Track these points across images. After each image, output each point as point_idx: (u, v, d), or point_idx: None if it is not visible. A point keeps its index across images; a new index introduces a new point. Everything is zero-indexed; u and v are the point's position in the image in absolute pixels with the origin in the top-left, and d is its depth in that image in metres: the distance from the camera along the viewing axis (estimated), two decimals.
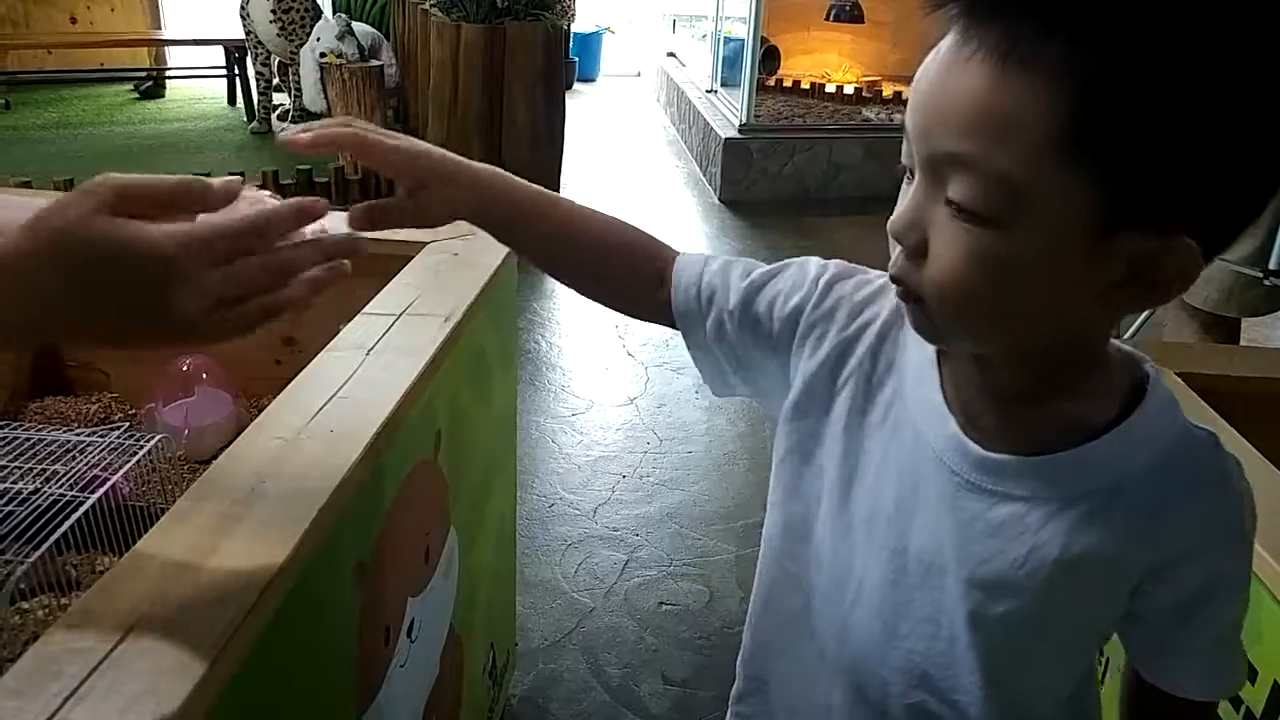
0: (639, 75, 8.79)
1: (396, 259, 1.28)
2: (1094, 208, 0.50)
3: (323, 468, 0.79)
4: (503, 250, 1.32)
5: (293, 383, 0.93)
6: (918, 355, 0.66)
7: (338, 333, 1.27)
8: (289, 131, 0.66)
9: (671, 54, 7.63)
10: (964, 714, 0.68)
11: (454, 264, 1.26)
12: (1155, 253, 0.51)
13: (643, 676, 1.84)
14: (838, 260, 0.72)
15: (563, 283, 0.77)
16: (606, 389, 2.92)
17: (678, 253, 0.76)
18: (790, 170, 5.02)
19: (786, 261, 0.73)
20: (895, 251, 0.57)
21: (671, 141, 6.43)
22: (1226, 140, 0.49)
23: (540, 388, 2.94)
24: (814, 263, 0.72)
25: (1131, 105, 0.47)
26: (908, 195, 0.56)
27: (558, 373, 3.04)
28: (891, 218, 0.56)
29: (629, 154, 6.08)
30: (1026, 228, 0.50)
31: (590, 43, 8.35)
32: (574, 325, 3.42)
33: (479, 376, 1.29)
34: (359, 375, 0.95)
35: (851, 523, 0.69)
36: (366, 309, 1.10)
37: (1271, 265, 2.18)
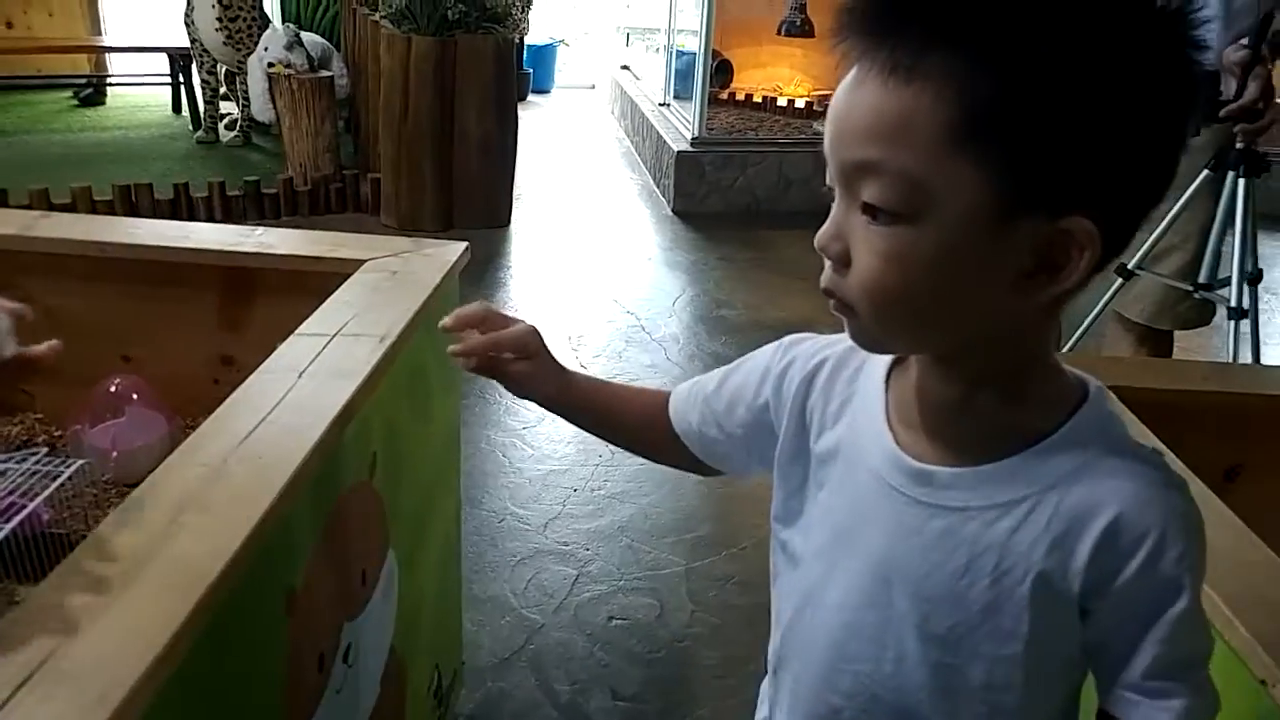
0: (593, 88, 8.80)
1: (334, 277, 1.27)
2: (991, 195, 0.53)
3: (249, 496, 0.78)
4: (444, 267, 1.31)
5: (221, 406, 0.92)
6: (870, 383, 0.69)
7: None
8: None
9: (625, 67, 7.65)
10: None
11: (393, 282, 1.25)
12: (1055, 237, 0.54)
13: (592, 692, 1.83)
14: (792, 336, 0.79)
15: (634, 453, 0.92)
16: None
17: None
18: (742, 183, 5.05)
19: (749, 356, 0.81)
20: (826, 266, 0.60)
21: (625, 153, 6.44)
22: (1099, 124, 0.52)
23: (490, 401, 2.92)
24: (779, 341, 0.79)
25: (1007, 100, 0.52)
26: (831, 212, 0.60)
27: None
28: (818, 234, 0.60)
29: (583, 166, 6.08)
30: (933, 221, 0.54)
31: (544, 55, 8.34)
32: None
33: (418, 396, 1.27)
34: (289, 399, 0.93)
35: (811, 551, 0.71)
36: (300, 330, 1.09)
37: (1201, 280, 2.24)
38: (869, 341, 0.63)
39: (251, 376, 0.97)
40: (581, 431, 2.60)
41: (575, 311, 3.65)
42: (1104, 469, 0.61)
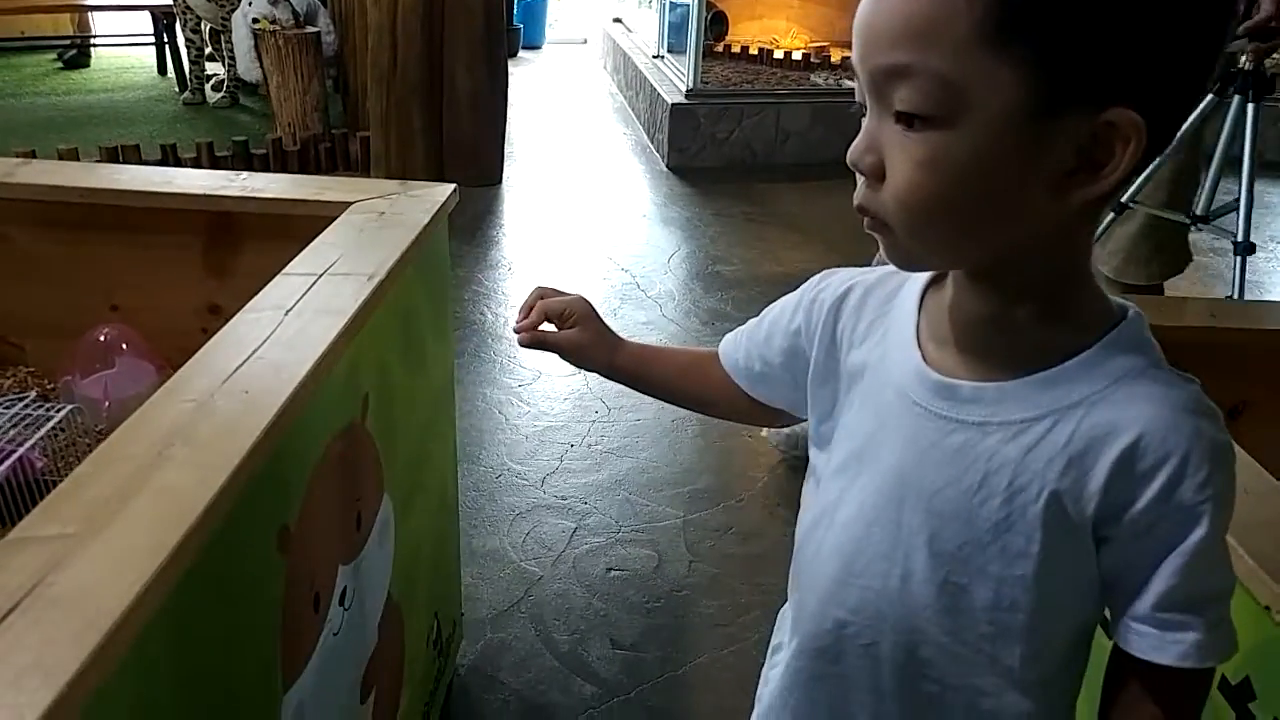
0: (585, 42, 8.69)
1: (321, 220, 1.24)
2: (1029, 91, 0.52)
3: (236, 430, 0.76)
4: (431, 209, 1.28)
5: (206, 345, 0.90)
6: (905, 305, 0.69)
7: None
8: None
9: (618, 20, 7.55)
10: (919, 661, 0.67)
11: (379, 223, 1.23)
12: (1099, 131, 0.53)
13: (591, 642, 1.83)
14: None
15: (697, 411, 0.94)
16: (554, 360, 2.85)
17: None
18: (738, 136, 5.00)
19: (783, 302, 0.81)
20: (859, 183, 0.59)
21: (619, 108, 6.37)
22: (1142, 9, 0.51)
23: (486, 359, 2.90)
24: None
25: None
26: (863, 126, 0.58)
27: (504, 344, 3.00)
28: (850, 149, 0.58)
29: (576, 121, 6.01)
30: (969, 123, 0.53)
31: (535, 9, 8.22)
32: (520, 296, 3.37)
33: (410, 340, 1.26)
34: (276, 336, 0.91)
35: (831, 467, 0.71)
36: (286, 269, 1.06)
37: (1198, 211, 2.17)
38: (904, 258, 0.61)
39: (237, 315, 0.96)
40: (576, 388, 2.66)
41: (569, 269, 3.62)
42: (1132, 390, 0.59)
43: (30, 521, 0.65)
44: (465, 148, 4.47)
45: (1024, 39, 0.51)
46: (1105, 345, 0.60)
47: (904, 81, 0.53)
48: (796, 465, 2.33)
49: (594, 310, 0.88)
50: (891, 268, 0.69)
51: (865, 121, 0.58)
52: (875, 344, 0.70)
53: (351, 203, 1.27)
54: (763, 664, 0.86)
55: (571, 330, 0.86)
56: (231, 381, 0.83)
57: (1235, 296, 2.17)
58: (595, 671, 1.76)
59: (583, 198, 4.54)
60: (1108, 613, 0.66)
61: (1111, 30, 0.50)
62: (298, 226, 1.27)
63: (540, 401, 2.70)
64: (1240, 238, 2.12)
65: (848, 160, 0.59)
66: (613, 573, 2.03)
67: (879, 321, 0.70)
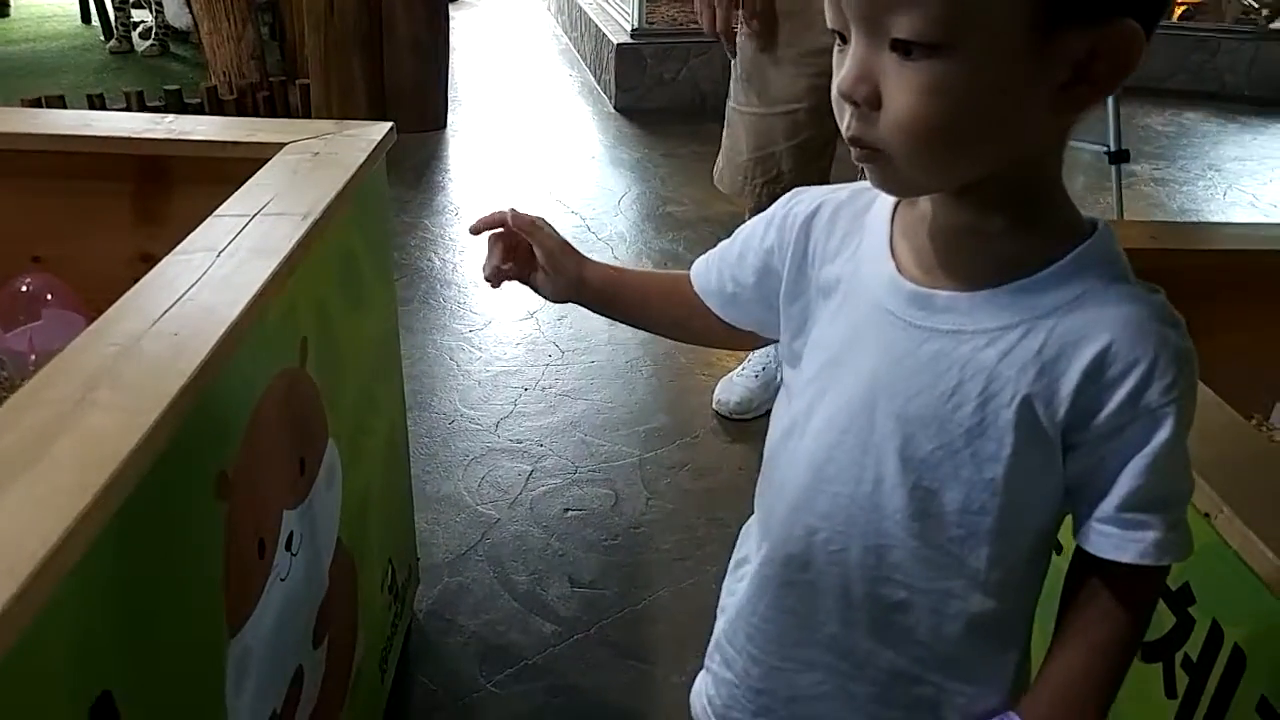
0: None
1: (254, 163, 1.21)
2: (1031, 10, 0.52)
3: (165, 373, 0.73)
4: (367, 148, 1.25)
5: (132, 289, 0.87)
6: (877, 220, 0.69)
7: None
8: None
9: None
10: (888, 566, 0.69)
11: (314, 164, 1.19)
12: (1100, 44, 0.54)
13: (550, 581, 1.84)
14: None
15: (668, 337, 0.95)
16: (505, 304, 2.86)
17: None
18: (685, 75, 4.94)
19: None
20: (845, 115, 0.59)
21: (564, 50, 6.25)
22: None
23: (436, 305, 2.87)
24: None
25: None
26: (849, 56, 0.58)
27: (453, 289, 2.96)
28: (838, 79, 0.58)
29: (521, 65, 5.90)
30: (972, 46, 0.53)
31: None
32: (469, 241, 3.31)
33: (350, 283, 1.23)
34: (207, 278, 0.88)
35: (803, 379, 0.73)
36: (217, 211, 1.03)
37: (1110, 147, 2.28)
38: (899, 184, 0.62)
39: (166, 258, 0.92)
40: (528, 333, 2.66)
41: (518, 202, 3.56)
42: (1102, 299, 0.61)
43: None
44: (408, 93, 4.37)
45: None
46: (1077, 257, 0.61)
47: (904, 9, 0.53)
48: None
49: (555, 231, 0.87)
50: (862, 185, 0.70)
51: (851, 49, 0.57)
52: (848, 258, 0.70)
53: (285, 144, 1.23)
54: (719, 595, 0.87)
55: (541, 252, 0.84)
56: (160, 324, 0.80)
57: (1118, 212, 2.32)
58: (554, 610, 1.77)
59: (530, 141, 4.47)
60: (1070, 518, 0.68)
61: None
62: (231, 169, 1.22)
63: (492, 346, 2.68)
64: (1113, 146, 2.27)
65: (837, 90, 0.58)
66: (570, 513, 2.03)
67: (851, 236, 0.71)
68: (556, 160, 4.21)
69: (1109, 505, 0.63)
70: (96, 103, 3.94)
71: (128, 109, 3.96)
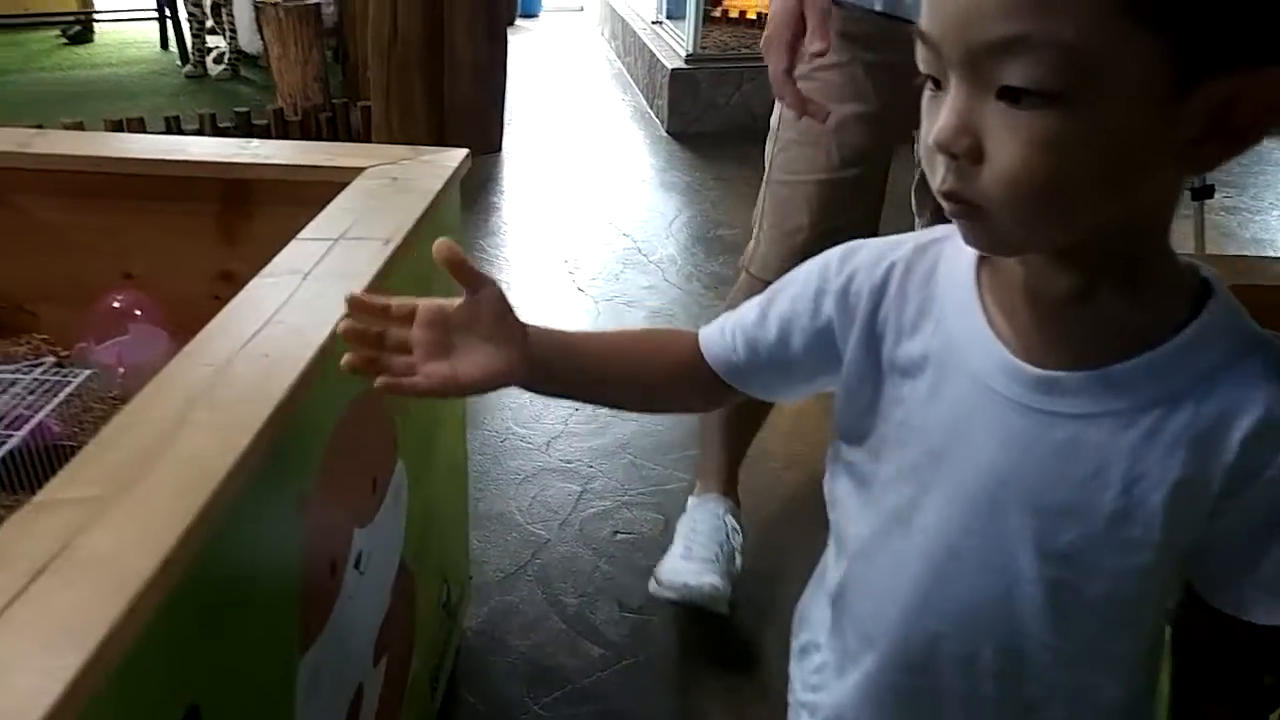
0: (581, 9, 8.59)
1: (332, 187, 1.24)
2: (1169, 60, 0.47)
3: (257, 394, 0.77)
4: (444, 175, 1.28)
5: (223, 310, 0.90)
6: (954, 284, 0.63)
7: None
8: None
9: None
10: (1023, 666, 0.65)
11: (393, 189, 1.23)
12: (1236, 95, 0.48)
13: (599, 604, 1.86)
14: (838, 246, 0.72)
15: (622, 408, 0.87)
16: (557, 325, 2.88)
17: (696, 333, 0.78)
18: (738, 100, 4.96)
19: (785, 277, 0.74)
20: (939, 168, 0.54)
21: (617, 75, 6.32)
22: None
23: None
24: (819, 256, 0.71)
25: None
26: (944, 104, 0.52)
27: None
28: (935, 129, 0.52)
29: (574, 89, 5.97)
30: (1098, 99, 0.48)
31: None
32: (522, 262, 3.38)
33: None
34: (294, 301, 0.92)
35: (893, 472, 0.67)
36: (301, 234, 1.07)
37: (1195, 183, 2.21)
38: (997, 243, 0.56)
39: (253, 280, 0.96)
40: None
41: (570, 235, 3.61)
42: (1244, 364, 0.56)
43: (55, 485, 0.66)
44: (466, 115, 4.45)
45: (1167, 1, 0.46)
46: (1205, 322, 0.56)
47: (1019, 54, 0.47)
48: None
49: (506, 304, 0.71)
50: (922, 238, 0.67)
51: (950, 97, 0.52)
52: (931, 333, 0.64)
53: (364, 169, 1.27)
54: (766, 626, 0.85)
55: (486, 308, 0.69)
56: (250, 346, 0.84)
57: (1196, 246, 2.23)
58: (603, 634, 1.78)
59: (582, 164, 4.52)
60: (1206, 579, 0.64)
61: None
62: (309, 193, 1.27)
63: None
64: (1198, 183, 2.19)
65: (933, 142, 0.53)
66: (619, 536, 2.05)
67: (928, 304, 0.65)
68: (608, 183, 4.25)
69: (1267, 571, 0.59)
70: (173, 124, 4.07)
71: (200, 130, 4.09)
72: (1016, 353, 0.60)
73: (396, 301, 0.70)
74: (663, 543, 2.02)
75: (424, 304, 0.69)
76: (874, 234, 1.68)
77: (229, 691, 0.73)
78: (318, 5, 4.73)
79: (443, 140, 4.46)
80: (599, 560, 1.97)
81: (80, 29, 6.50)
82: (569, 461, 2.29)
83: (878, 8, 1.43)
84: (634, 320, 2.93)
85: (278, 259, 1.01)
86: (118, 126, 3.97)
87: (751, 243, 1.79)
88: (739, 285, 1.77)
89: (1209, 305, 0.57)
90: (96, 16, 6.73)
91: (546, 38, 7.54)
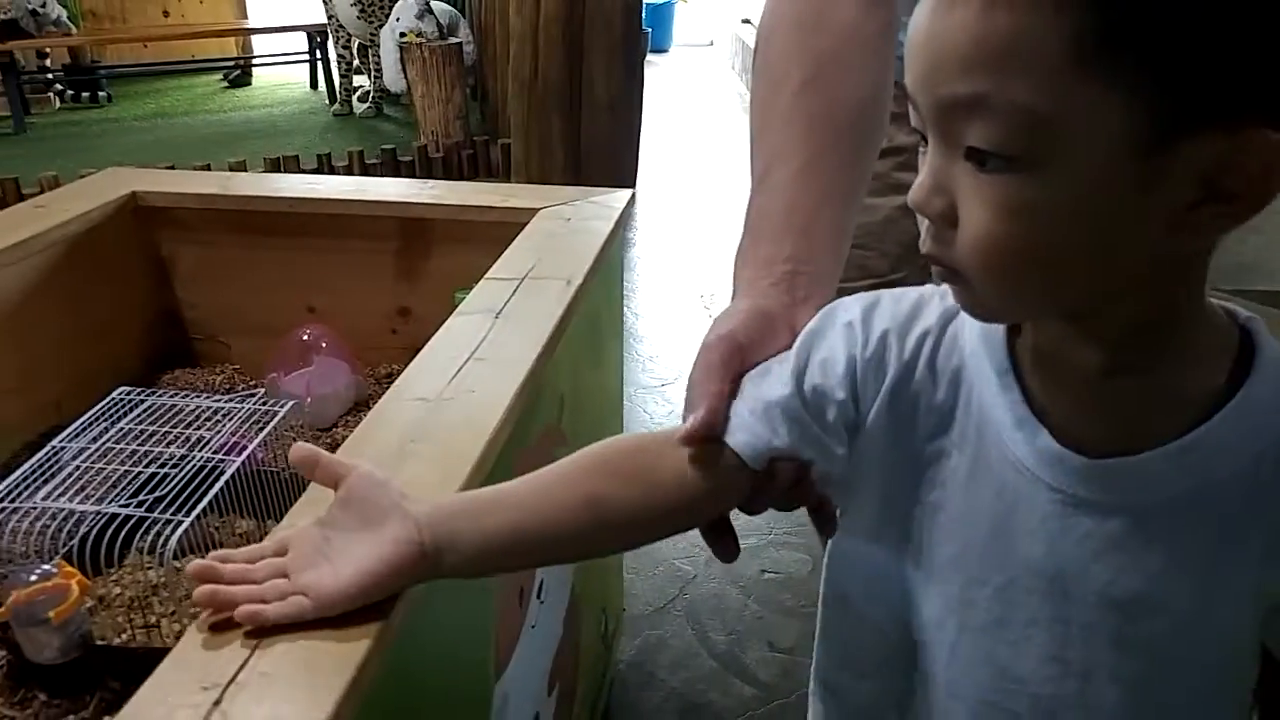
0: (711, 44, 8.70)
1: (505, 226, 1.29)
2: (1138, 120, 0.42)
3: (468, 427, 0.80)
4: (613, 215, 1.32)
5: (425, 347, 0.94)
6: (986, 360, 0.57)
7: (451, 301, 1.29)
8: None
9: (746, 20, 7.52)
10: None
11: (568, 229, 1.26)
12: (1227, 157, 0.42)
13: (749, 643, 1.84)
14: (856, 296, 0.63)
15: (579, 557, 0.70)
16: (691, 362, 2.89)
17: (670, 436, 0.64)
18: None
19: (802, 339, 0.62)
20: (923, 227, 0.50)
21: (748, 109, 6.35)
22: None
23: (628, 359, 2.94)
24: (840, 308, 0.62)
25: None
26: (924, 163, 0.49)
27: (644, 344, 3.03)
28: (912, 189, 0.49)
29: (705, 124, 6.03)
30: (1062, 162, 0.43)
31: (662, 12, 8.27)
32: (658, 297, 3.41)
33: (594, 342, 1.29)
34: (491, 338, 0.95)
35: (934, 566, 0.60)
36: (489, 274, 1.11)
37: None
38: (986, 313, 0.53)
39: (450, 318, 1.00)
40: None
41: (705, 271, 3.63)
42: None
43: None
44: (602, 152, 4.54)
45: (1133, 55, 0.41)
46: (1259, 380, 0.51)
47: (977, 115, 0.44)
48: None
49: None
50: (943, 297, 0.59)
51: (927, 155, 0.48)
52: (963, 410, 0.58)
53: (538, 209, 1.31)
54: None
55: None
56: (456, 381, 0.87)
57: None
58: (754, 673, 1.77)
59: (714, 199, 4.55)
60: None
61: (1248, 32, 0.40)
62: (484, 232, 1.32)
63: (681, 400, 2.71)
64: None
65: (909, 202, 0.49)
66: (767, 575, 2.03)
67: (959, 379, 0.59)
68: (737, 219, 4.26)
69: None
70: (324, 161, 4.31)
71: (349, 166, 4.31)
72: (1060, 433, 0.54)
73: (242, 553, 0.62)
74: (811, 584, 1.99)
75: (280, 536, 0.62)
76: None
77: (442, 715, 0.76)
78: (460, 45, 4.94)
79: (578, 176, 4.57)
80: (747, 599, 1.95)
81: (240, 73, 6.99)
82: None
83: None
84: None
85: (470, 298, 1.05)
86: (275, 163, 4.23)
87: None
88: None
89: (1257, 363, 0.51)
90: (254, 61, 7.22)
91: (677, 72, 7.66)
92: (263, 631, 0.57)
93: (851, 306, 0.61)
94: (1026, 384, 0.55)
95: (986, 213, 0.46)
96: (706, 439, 0.62)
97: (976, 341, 0.57)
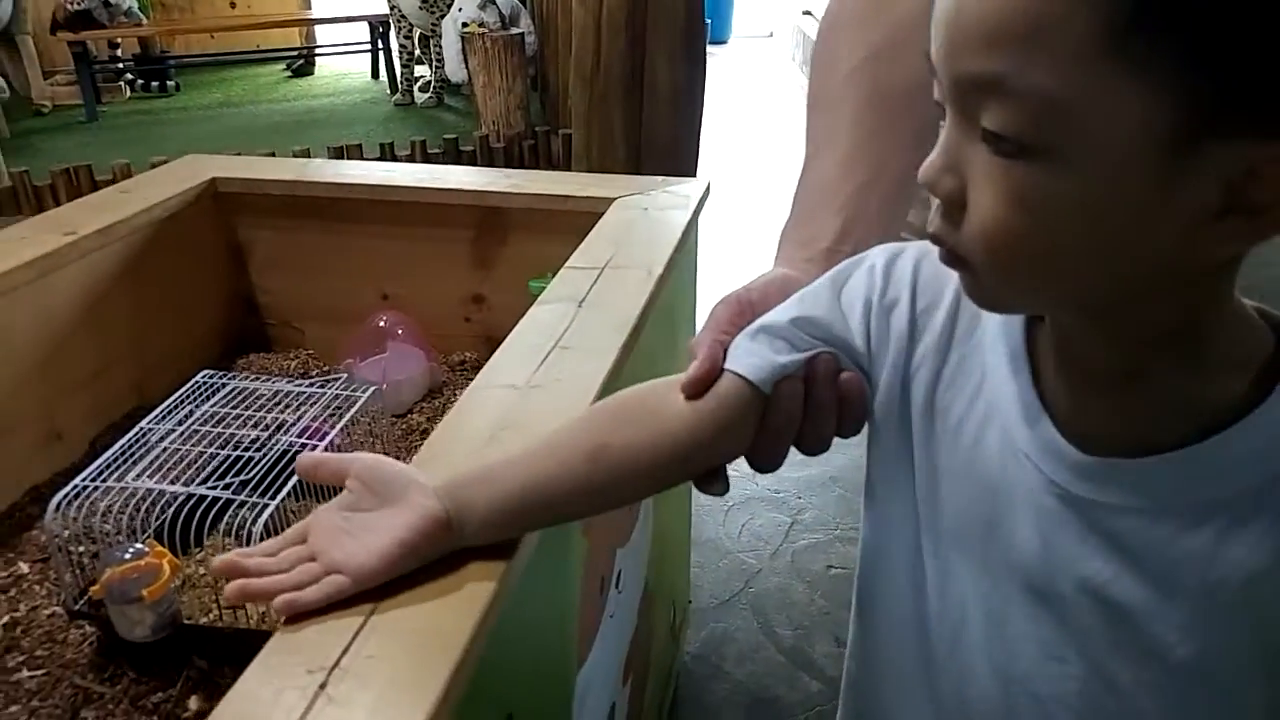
0: (771, 35, 8.62)
1: (581, 216, 1.28)
2: (1162, 116, 0.39)
3: (555, 415, 0.79)
4: (690, 205, 1.30)
5: (512, 333, 0.94)
6: (1003, 339, 0.55)
7: (525, 289, 1.28)
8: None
9: (807, 12, 7.44)
10: None
11: (645, 219, 1.25)
12: (1256, 165, 0.40)
13: (816, 638, 1.82)
14: (884, 245, 0.62)
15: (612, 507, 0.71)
16: None
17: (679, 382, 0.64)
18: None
19: (824, 279, 0.62)
20: (932, 205, 0.48)
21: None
22: None
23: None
24: (874, 252, 0.61)
25: None
26: (940, 137, 0.46)
27: None
28: (922, 166, 0.47)
29: (766, 115, 5.99)
30: (1080, 154, 0.41)
31: (721, 3, 8.21)
32: (718, 287, 3.37)
33: (668, 334, 1.28)
34: (575, 326, 0.95)
35: (940, 540, 0.59)
36: (570, 263, 1.10)
37: None
38: (989, 302, 0.50)
39: (533, 307, 1.00)
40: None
41: (764, 263, 3.57)
42: None
43: None
44: (663, 143, 4.52)
45: (1169, 44, 0.38)
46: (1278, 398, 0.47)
47: (994, 97, 0.42)
48: None
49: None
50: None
51: (944, 131, 0.46)
52: (975, 387, 0.56)
53: (614, 199, 1.30)
54: None
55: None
56: (543, 370, 0.86)
57: None
58: (821, 669, 1.75)
59: (775, 189, 4.50)
60: None
61: (1276, 25, 0.37)
62: (560, 222, 1.32)
63: None
64: None
65: (919, 179, 0.47)
66: (833, 570, 2.00)
67: (970, 360, 0.57)
68: None
69: None
70: (387, 150, 4.35)
71: (411, 155, 4.34)
72: (1064, 425, 0.52)
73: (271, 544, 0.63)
74: None
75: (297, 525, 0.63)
76: None
77: (530, 704, 0.76)
78: (521, 35, 4.95)
79: (639, 167, 4.55)
80: (814, 594, 1.93)
81: (303, 63, 7.10)
82: (777, 491, 2.26)
83: None
84: None
85: (552, 286, 1.04)
86: (339, 152, 4.28)
87: None
88: None
89: None
90: (317, 51, 7.33)
91: (736, 64, 7.60)
92: (368, 616, 0.57)
93: (876, 261, 0.61)
94: (1039, 369, 0.53)
95: (996, 199, 0.43)
96: (708, 382, 0.61)
97: (993, 319, 0.55)
